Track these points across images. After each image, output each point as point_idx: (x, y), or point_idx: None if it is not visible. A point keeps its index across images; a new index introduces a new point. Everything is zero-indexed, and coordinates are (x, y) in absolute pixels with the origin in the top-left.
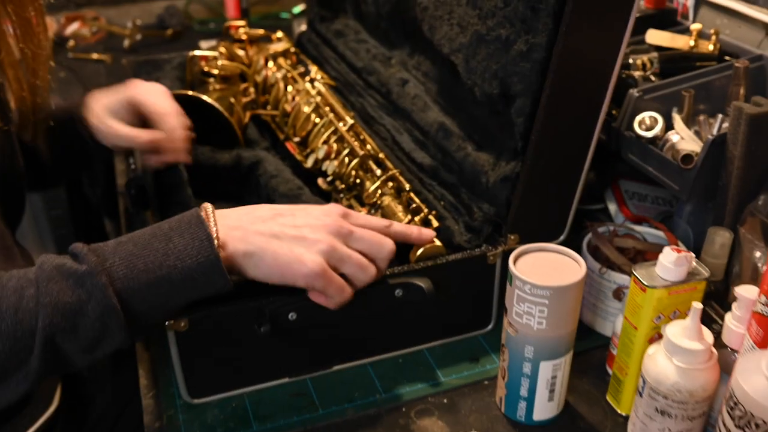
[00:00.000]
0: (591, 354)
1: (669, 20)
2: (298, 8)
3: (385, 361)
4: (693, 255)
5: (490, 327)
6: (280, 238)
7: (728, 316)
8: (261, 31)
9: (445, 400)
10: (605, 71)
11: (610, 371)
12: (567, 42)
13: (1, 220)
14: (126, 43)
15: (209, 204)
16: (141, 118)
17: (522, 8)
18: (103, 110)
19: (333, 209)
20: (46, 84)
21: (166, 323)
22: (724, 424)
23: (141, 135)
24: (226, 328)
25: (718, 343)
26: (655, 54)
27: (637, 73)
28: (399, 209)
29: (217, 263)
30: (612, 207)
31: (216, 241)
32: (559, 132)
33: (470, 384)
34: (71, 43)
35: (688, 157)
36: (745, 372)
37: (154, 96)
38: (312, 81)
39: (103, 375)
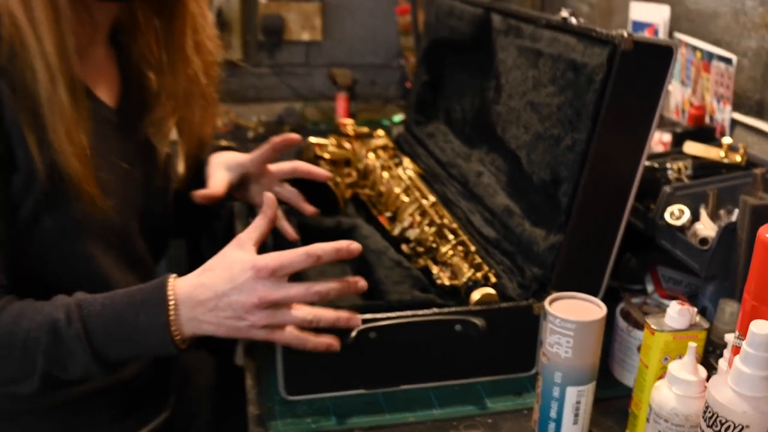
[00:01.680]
0: (617, 401)
1: (708, 136)
2: (397, 117)
3: (443, 387)
4: (695, 309)
5: (533, 371)
6: (223, 325)
7: (721, 360)
8: (365, 129)
9: (490, 420)
10: (633, 163)
11: None
12: (602, 139)
13: (149, 256)
14: (250, 134)
15: (173, 283)
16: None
17: (570, 112)
18: (219, 163)
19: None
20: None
21: None
22: (701, 429)
23: (218, 188)
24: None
25: None
26: (689, 161)
27: (672, 175)
28: (465, 267)
29: (171, 348)
30: (650, 288)
31: (171, 328)
32: (594, 209)
33: (512, 411)
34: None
35: (705, 240)
36: (715, 386)
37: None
38: (404, 169)
39: (206, 395)
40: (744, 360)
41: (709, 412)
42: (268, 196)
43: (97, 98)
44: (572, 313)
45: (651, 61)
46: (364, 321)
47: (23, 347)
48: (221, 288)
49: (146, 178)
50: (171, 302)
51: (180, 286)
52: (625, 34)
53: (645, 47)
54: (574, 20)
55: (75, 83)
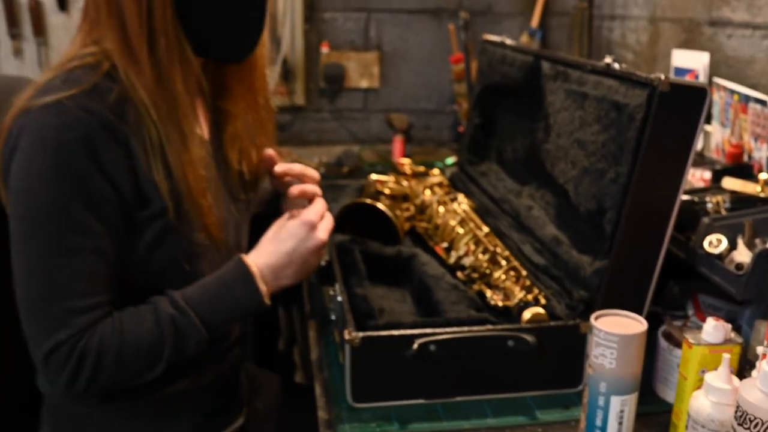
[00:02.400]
0: (660, 415)
1: (746, 173)
2: (450, 160)
3: (496, 400)
4: (730, 325)
5: (580, 387)
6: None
7: (753, 371)
8: (422, 168)
9: (540, 430)
10: (671, 193)
11: None
12: (642, 171)
13: None
14: None
15: (249, 263)
16: None
17: (613, 148)
18: None
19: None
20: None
21: (346, 336)
22: (733, 428)
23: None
24: (384, 349)
25: None
26: (727, 195)
27: (711, 208)
28: (517, 289)
29: (262, 306)
30: (693, 318)
31: (261, 291)
32: (636, 235)
33: (560, 422)
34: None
35: (740, 266)
36: (745, 388)
37: None
38: (459, 203)
39: (272, 408)
40: None
41: (740, 411)
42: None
43: (201, 135)
44: (616, 328)
45: (686, 101)
46: (425, 335)
47: (150, 344)
48: (288, 246)
49: (233, 198)
50: (255, 273)
51: (254, 259)
52: (662, 77)
53: (680, 89)
54: (616, 65)
55: (193, 132)
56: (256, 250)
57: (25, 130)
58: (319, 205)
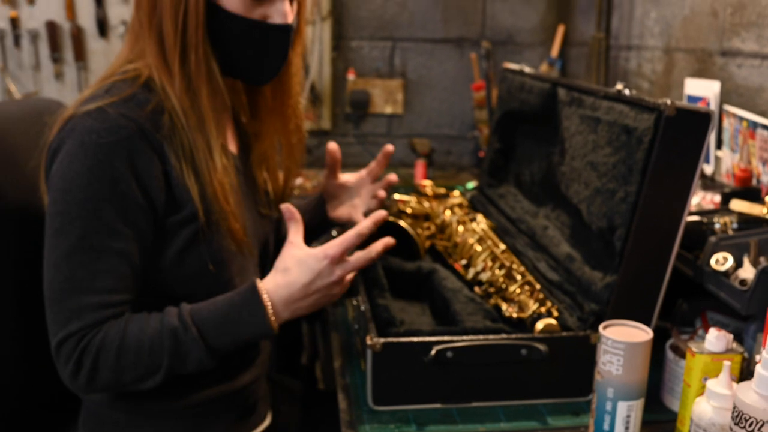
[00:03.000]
0: (666, 424)
1: (754, 196)
2: (470, 184)
3: (509, 406)
4: (731, 336)
5: (590, 396)
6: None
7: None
8: (443, 190)
9: None
10: (677, 211)
11: None
12: (650, 190)
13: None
14: None
15: (263, 288)
16: None
17: (623, 169)
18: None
19: (326, 270)
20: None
21: (368, 342)
22: (730, 427)
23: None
24: (404, 355)
25: None
26: (735, 216)
27: (718, 229)
28: (531, 302)
29: (270, 334)
30: (700, 332)
31: (271, 320)
32: (644, 251)
33: (570, 427)
34: (296, 191)
35: (744, 281)
36: (742, 390)
37: None
38: (478, 223)
39: (295, 411)
40: (765, 366)
41: (736, 411)
42: (290, 210)
43: (228, 149)
44: (623, 336)
45: (692, 125)
46: (443, 342)
47: (150, 352)
48: (305, 279)
49: (259, 214)
50: (267, 304)
51: (270, 289)
52: (669, 102)
53: (686, 113)
54: (627, 92)
55: (217, 143)
56: (273, 278)
57: (68, 133)
58: (347, 239)
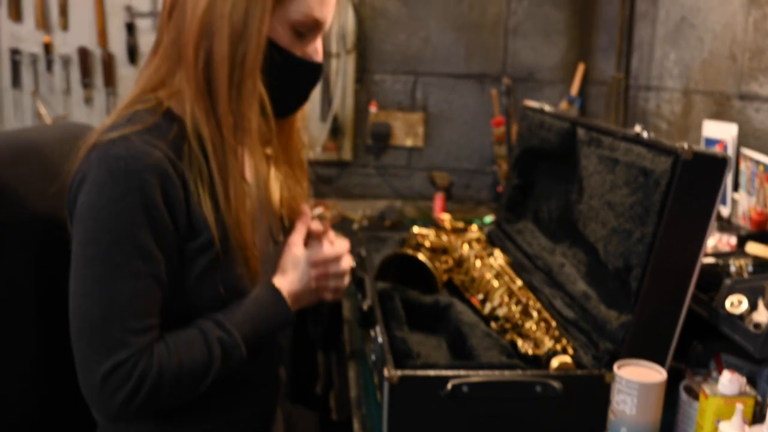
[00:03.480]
0: None
1: None
2: (488, 218)
3: None
4: (744, 379)
5: None
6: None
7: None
8: (461, 224)
9: None
10: (693, 253)
11: None
12: (666, 231)
13: None
14: (355, 226)
15: (278, 287)
16: None
17: (640, 210)
18: None
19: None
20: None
21: (386, 374)
22: None
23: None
24: (420, 388)
25: None
26: (750, 259)
27: (734, 271)
28: (546, 339)
29: (292, 323)
30: (714, 374)
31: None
32: (660, 292)
33: None
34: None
35: (758, 325)
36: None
37: None
38: (495, 258)
39: None
40: None
41: None
42: (305, 209)
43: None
44: (637, 376)
45: (708, 169)
46: (459, 377)
47: (202, 365)
48: (308, 276)
49: (273, 240)
50: (288, 299)
51: (284, 287)
52: (686, 147)
53: (703, 157)
54: (645, 134)
55: (243, 172)
56: (281, 276)
57: (94, 162)
58: (335, 248)
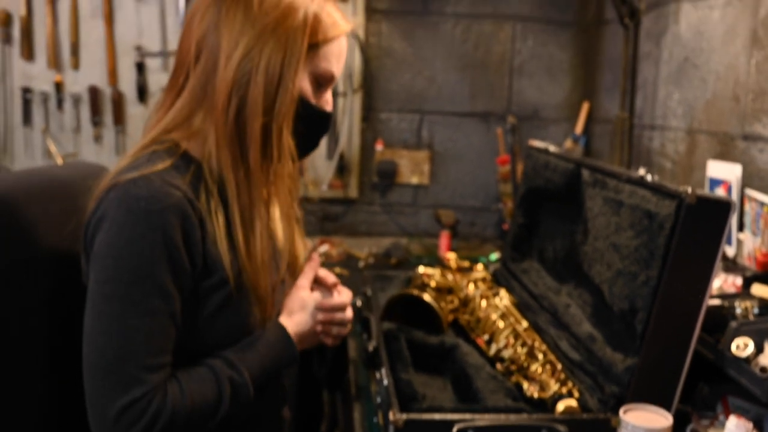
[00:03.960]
0: None
1: None
2: (494, 256)
3: None
4: (751, 424)
5: None
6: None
7: None
8: (467, 263)
9: None
10: (698, 296)
11: None
12: (671, 275)
13: None
14: (361, 263)
15: (285, 326)
16: None
17: (645, 253)
18: None
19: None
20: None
21: (391, 418)
22: None
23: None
24: (426, 431)
25: None
26: (756, 301)
27: (739, 313)
28: (552, 382)
29: (296, 362)
30: (720, 417)
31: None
32: (665, 335)
33: None
34: (321, 258)
35: (765, 369)
36: None
37: None
38: (500, 298)
39: None
40: None
41: None
42: (314, 256)
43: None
44: (643, 421)
45: (712, 213)
46: (464, 420)
47: (212, 404)
48: (314, 319)
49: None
50: (295, 340)
51: (290, 327)
52: (689, 191)
53: (707, 202)
54: (649, 177)
55: (262, 217)
56: (287, 317)
57: (113, 201)
58: (342, 297)
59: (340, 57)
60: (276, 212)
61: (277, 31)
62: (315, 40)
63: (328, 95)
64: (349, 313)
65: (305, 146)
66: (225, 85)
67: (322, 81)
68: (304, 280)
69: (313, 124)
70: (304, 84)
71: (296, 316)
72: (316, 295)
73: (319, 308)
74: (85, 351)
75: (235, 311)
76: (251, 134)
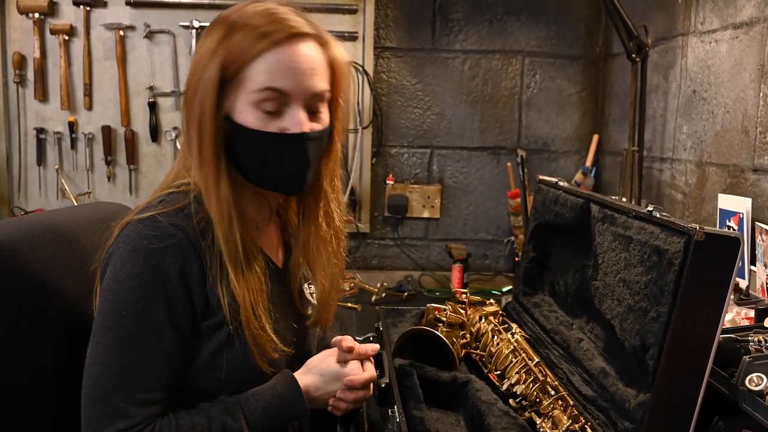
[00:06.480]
0: None
1: None
2: (506, 288)
3: None
4: None
5: None
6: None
7: None
8: (478, 298)
9: None
10: (709, 332)
11: None
12: (681, 311)
13: None
14: (373, 297)
15: (298, 381)
16: None
17: (655, 289)
18: None
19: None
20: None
21: None
22: None
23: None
24: None
25: None
26: None
27: (753, 347)
28: (564, 418)
29: (306, 414)
30: None
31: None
32: (677, 371)
33: None
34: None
35: None
36: None
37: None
38: (512, 333)
39: None
40: None
41: None
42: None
43: (272, 261)
44: None
45: (721, 248)
46: None
47: None
48: (331, 388)
49: (298, 323)
50: (305, 395)
51: (304, 383)
52: (698, 227)
53: (715, 238)
54: (657, 214)
55: (255, 257)
56: (306, 375)
57: (123, 239)
58: (367, 374)
59: (279, 69)
60: (314, 262)
61: (196, 68)
62: (230, 70)
63: (297, 116)
64: (369, 391)
65: (273, 174)
66: (183, 122)
67: (266, 105)
68: (338, 350)
69: (266, 151)
70: (247, 114)
71: (313, 378)
72: (346, 368)
73: (341, 379)
74: (83, 378)
75: (235, 352)
76: (206, 167)
